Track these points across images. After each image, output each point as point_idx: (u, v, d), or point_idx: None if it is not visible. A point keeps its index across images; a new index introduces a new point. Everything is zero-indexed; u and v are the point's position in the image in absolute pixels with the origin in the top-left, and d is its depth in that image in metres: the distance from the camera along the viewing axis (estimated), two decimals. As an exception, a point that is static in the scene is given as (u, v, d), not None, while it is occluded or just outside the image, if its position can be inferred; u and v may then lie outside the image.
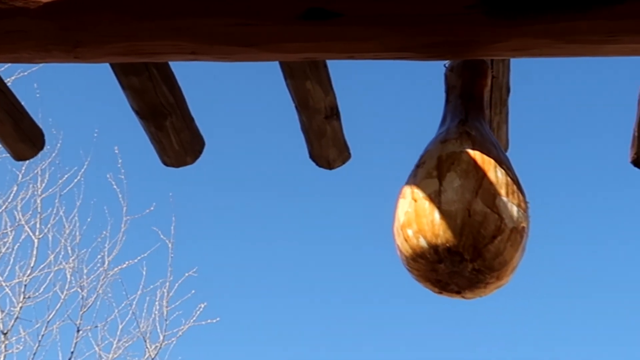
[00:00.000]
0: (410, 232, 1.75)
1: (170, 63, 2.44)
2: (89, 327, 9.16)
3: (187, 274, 9.30)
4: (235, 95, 10.54)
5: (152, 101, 2.43)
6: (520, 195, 1.80)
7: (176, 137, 2.54)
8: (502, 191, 1.75)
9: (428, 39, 1.72)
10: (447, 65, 2.06)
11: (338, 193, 10.76)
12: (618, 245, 11.08)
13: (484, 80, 2.03)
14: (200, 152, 2.65)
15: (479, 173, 1.76)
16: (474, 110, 1.95)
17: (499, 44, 1.74)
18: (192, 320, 9.15)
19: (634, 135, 2.55)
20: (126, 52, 1.83)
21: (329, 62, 2.34)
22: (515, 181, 1.82)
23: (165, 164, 2.66)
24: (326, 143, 2.51)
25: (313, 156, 2.58)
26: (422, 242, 1.73)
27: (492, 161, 1.79)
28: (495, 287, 1.77)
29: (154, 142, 2.59)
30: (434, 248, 1.72)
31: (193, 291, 9.25)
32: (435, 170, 1.78)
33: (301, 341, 10.91)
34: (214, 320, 9.14)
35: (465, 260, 1.71)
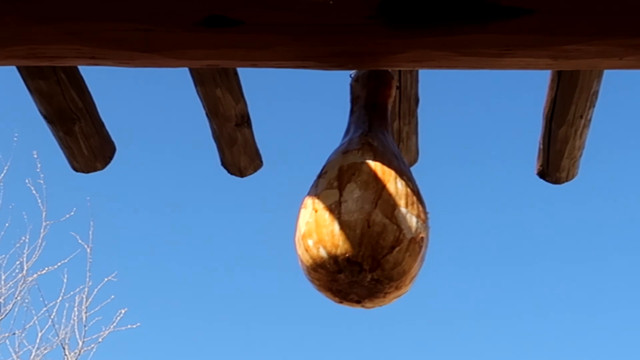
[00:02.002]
0: (310, 242, 1.76)
1: (80, 67, 2.40)
2: (6, 335, 8.94)
3: (106, 279, 9.17)
4: (150, 100, 10.45)
5: (60, 106, 2.39)
6: (420, 206, 1.82)
7: (85, 142, 2.50)
8: (402, 202, 1.77)
9: (329, 48, 1.73)
10: (352, 75, 2.08)
11: (250, 200, 10.77)
12: (524, 254, 11.35)
13: (389, 90, 2.05)
14: (110, 157, 2.61)
15: (379, 184, 1.78)
16: (378, 120, 1.97)
17: (398, 55, 1.76)
18: (112, 326, 9.02)
19: (539, 148, 2.62)
20: (26, 55, 1.80)
21: (240, 70, 2.34)
22: (416, 192, 1.84)
23: (75, 169, 2.62)
24: (237, 151, 2.50)
25: (225, 164, 2.57)
26: (322, 253, 1.74)
27: (393, 172, 1.81)
28: (394, 297, 1.78)
29: (63, 147, 2.54)
30: (333, 258, 1.73)
31: (113, 296, 9.13)
32: (336, 180, 1.79)
33: (222, 345, 10.88)
34: (135, 326, 9.03)
35: (365, 271, 1.72)
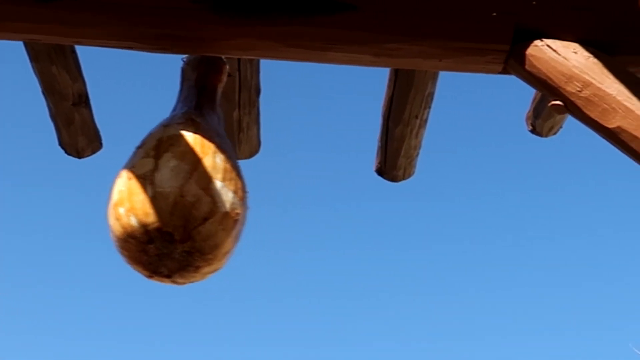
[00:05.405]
0: (122, 211, 1.73)
1: None
2: None
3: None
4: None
5: None
6: (239, 182, 1.82)
7: None
8: (219, 176, 1.77)
9: (154, 30, 1.72)
10: (184, 58, 2.10)
11: (89, 183, 10.41)
12: (359, 250, 11.47)
13: (219, 75, 2.06)
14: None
15: (196, 156, 1.77)
16: (206, 102, 1.97)
17: (224, 42, 1.76)
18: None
19: (378, 146, 2.69)
20: None
21: (80, 48, 2.31)
22: (236, 169, 1.84)
23: None
24: (75, 131, 2.46)
25: (62, 144, 2.52)
26: (133, 221, 1.71)
27: (213, 147, 1.81)
28: (207, 272, 1.78)
29: None
30: (144, 227, 1.71)
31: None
32: (153, 150, 1.78)
33: (66, 337, 10.58)
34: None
35: (175, 241, 1.71)
